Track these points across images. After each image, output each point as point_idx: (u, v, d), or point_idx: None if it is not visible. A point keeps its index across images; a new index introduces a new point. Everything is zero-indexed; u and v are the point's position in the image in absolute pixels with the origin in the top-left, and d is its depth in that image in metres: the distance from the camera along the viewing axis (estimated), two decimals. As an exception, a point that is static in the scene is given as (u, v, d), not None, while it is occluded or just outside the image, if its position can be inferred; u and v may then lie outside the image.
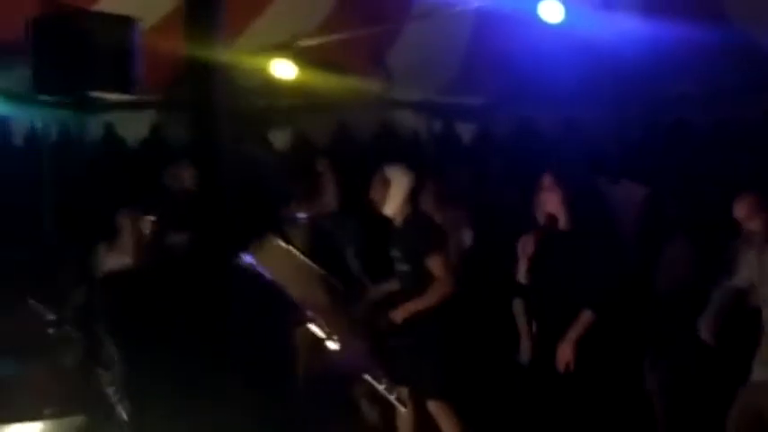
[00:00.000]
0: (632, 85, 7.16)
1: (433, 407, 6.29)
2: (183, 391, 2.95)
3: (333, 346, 5.08)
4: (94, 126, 8.26)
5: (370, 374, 5.50)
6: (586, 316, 5.78)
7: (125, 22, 3.52)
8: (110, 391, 4.74)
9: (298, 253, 4.85)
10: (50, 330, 5.13)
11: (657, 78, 7.18)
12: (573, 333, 5.77)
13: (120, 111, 7.91)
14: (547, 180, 6.05)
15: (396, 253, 6.48)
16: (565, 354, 5.78)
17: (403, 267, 6.42)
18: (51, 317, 5.19)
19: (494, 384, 6.76)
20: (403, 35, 7.51)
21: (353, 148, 8.58)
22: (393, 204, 6.45)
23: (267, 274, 3.70)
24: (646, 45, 6.48)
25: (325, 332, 5.12)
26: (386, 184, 6.47)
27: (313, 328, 5.04)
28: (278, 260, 4.42)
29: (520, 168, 7.92)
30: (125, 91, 3.50)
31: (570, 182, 6.01)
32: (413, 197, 6.49)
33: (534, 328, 6.23)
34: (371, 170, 6.85)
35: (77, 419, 4.52)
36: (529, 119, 8.08)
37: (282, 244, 4.78)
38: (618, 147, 7.46)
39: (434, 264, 6.21)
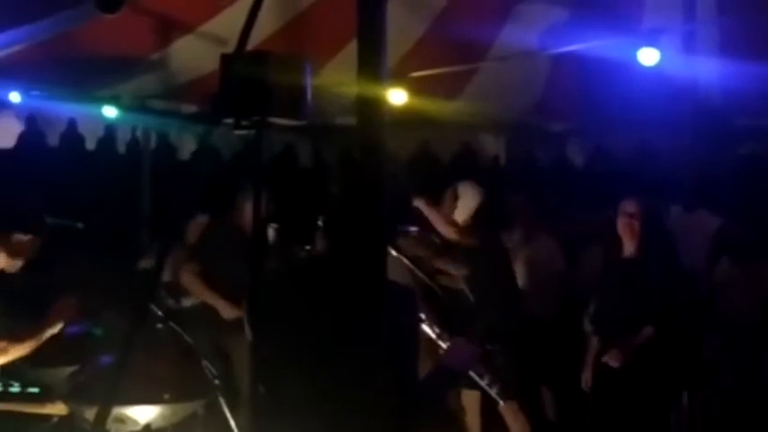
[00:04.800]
0: (708, 118, 7.40)
1: (504, 408, 6.51)
2: (317, 387, 3.27)
3: (443, 345, 5.39)
4: (189, 137, 8.77)
5: (474, 371, 5.77)
6: (648, 330, 5.96)
7: (300, 60, 3.96)
8: (215, 381, 5.15)
9: (407, 261, 5.16)
10: (158, 326, 5.52)
11: (733, 112, 7.44)
12: (633, 340, 5.95)
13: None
14: (630, 207, 6.19)
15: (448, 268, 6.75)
16: (618, 355, 5.98)
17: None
18: (159, 313, 5.58)
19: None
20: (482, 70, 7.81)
21: (434, 167, 8.91)
22: (459, 218, 6.69)
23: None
24: (723, 82, 6.75)
25: (435, 333, 5.45)
26: (455, 198, 6.70)
27: (425, 328, 5.36)
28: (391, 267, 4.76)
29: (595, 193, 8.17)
30: (297, 118, 3.93)
31: (648, 210, 6.19)
32: (479, 215, 6.72)
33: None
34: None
35: (190, 405, 4.92)
36: (605, 146, 8.35)
37: (394, 253, 5.10)
38: (694, 177, 7.62)
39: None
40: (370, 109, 2.55)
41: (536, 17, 6.92)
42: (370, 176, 2.51)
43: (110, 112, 7.76)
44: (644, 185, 7.07)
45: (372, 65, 2.53)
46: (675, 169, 7.70)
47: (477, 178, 7.06)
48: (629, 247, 6.18)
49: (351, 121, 8.56)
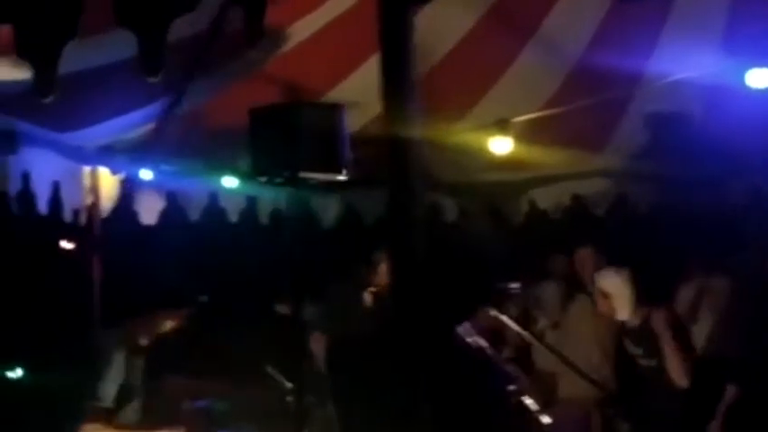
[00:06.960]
0: None
1: None
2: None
3: (545, 420, 5.05)
4: (332, 205, 8.68)
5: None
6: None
7: (333, 109, 3.75)
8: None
9: (511, 322, 4.90)
10: (288, 399, 5.34)
11: None
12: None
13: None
14: None
15: (636, 350, 6.40)
16: None
17: (649, 363, 6.33)
18: (288, 385, 5.40)
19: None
20: (630, 110, 7.43)
21: (585, 221, 8.56)
22: (625, 312, 6.37)
23: (481, 343, 3.75)
24: None
25: (538, 405, 5.11)
26: (607, 296, 6.37)
27: (526, 400, 5.03)
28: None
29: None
30: (334, 171, 3.70)
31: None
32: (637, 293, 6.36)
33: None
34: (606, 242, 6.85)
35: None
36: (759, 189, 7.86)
37: (495, 313, 4.84)
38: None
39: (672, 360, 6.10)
40: (401, 158, 2.29)
41: (683, 47, 6.46)
42: (401, 233, 2.26)
43: (230, 182, 7.70)
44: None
45: (400, 109, 2.28)
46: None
47: (631, 232, 6.75)
48: None
49: (497, 176, 8.33)
